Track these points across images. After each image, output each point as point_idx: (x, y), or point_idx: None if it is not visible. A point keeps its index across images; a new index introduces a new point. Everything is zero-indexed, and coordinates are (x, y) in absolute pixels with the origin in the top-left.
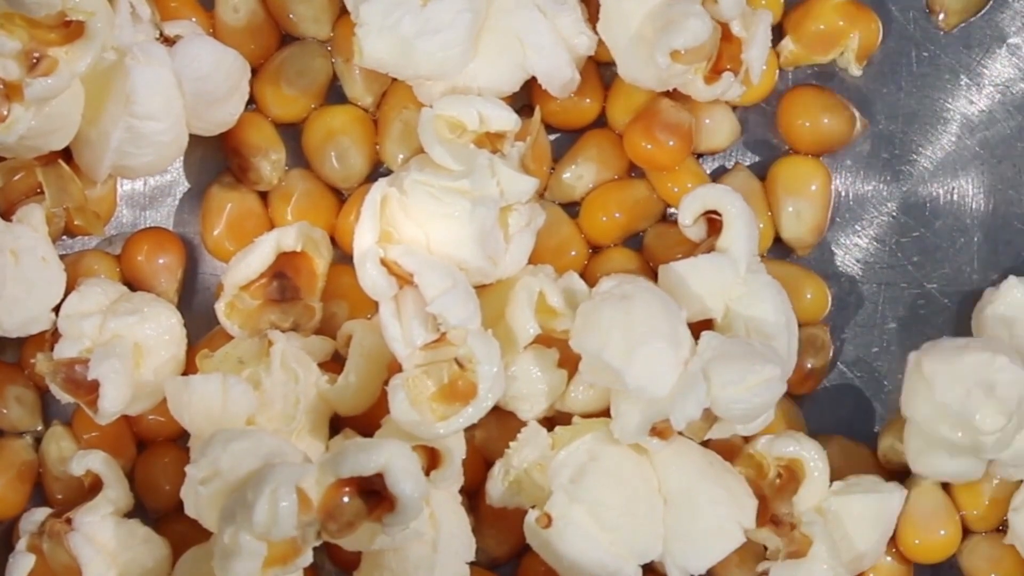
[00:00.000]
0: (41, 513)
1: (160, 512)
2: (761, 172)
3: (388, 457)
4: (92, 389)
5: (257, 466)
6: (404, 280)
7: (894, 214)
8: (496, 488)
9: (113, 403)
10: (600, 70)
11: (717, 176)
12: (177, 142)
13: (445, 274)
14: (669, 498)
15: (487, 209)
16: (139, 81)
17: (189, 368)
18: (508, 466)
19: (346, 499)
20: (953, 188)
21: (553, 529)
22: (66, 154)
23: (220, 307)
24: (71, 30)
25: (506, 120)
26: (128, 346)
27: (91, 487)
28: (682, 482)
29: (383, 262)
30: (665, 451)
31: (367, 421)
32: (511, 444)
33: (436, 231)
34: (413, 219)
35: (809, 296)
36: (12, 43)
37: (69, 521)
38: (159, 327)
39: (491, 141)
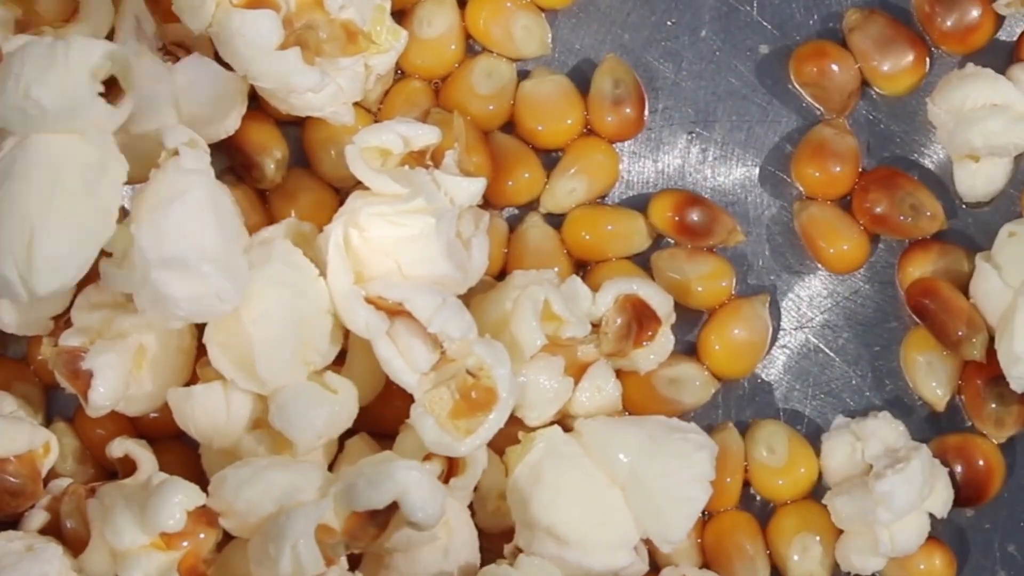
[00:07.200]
0: (67, 481)
1: None
2: None
3: (400, 490)
4: (88, 379)
5: (272, 510)
6: (393, 312)
7: None
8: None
9: (103, 397)
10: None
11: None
12: None
13: (432, 293)
14: (624, 485)
15: (448, 220)
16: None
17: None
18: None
19: (366, 522)
20: (954, 187)
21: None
22: None
23: None
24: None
25: (428, 135)
26: (130, 345)
27: (123, 475)
28: (629, 467)
29: (367, 300)
30: (599, 441)
31: (378, 421)
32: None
33: (406, 255)
34: (380, 251)
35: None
36: (5, 12)
37: (93, 490)
38: (167, 331)
39: (415, 159)
